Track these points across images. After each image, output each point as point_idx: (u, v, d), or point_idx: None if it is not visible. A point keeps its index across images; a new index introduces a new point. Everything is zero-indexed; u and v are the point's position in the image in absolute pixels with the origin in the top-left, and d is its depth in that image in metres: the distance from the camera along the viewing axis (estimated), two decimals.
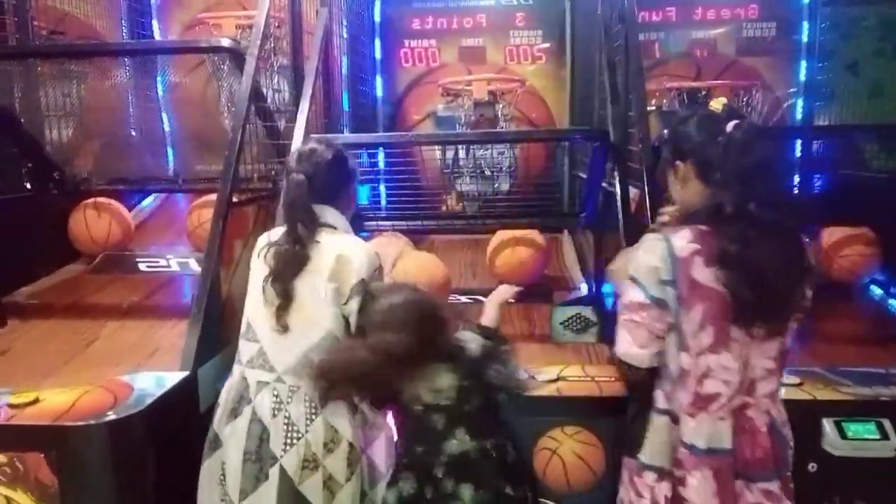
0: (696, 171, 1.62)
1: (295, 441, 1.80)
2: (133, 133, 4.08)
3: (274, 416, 1.81)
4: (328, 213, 1.96)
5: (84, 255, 3.55)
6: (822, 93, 3.94)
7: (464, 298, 3.14)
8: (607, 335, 2.30)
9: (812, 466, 2.11)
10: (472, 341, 1.85)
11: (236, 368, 1.94)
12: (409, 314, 1.74)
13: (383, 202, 3.74)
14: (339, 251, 1.88)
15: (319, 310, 1.85)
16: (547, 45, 4.30)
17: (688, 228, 1.58)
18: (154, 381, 2.11)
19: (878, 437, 2.07)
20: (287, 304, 1.85)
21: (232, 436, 1.86)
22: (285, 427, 1.81)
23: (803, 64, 4.06)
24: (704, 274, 1.52)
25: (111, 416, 1.88)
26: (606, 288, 2.83)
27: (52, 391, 2.02)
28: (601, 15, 3.52)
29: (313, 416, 1.81)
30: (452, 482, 1.73)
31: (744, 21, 4.11)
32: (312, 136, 2.18)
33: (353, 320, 1.82)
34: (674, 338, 1.60)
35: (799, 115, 4.08)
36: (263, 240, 1.99)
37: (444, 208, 3.98)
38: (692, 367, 1.58)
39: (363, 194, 3.58)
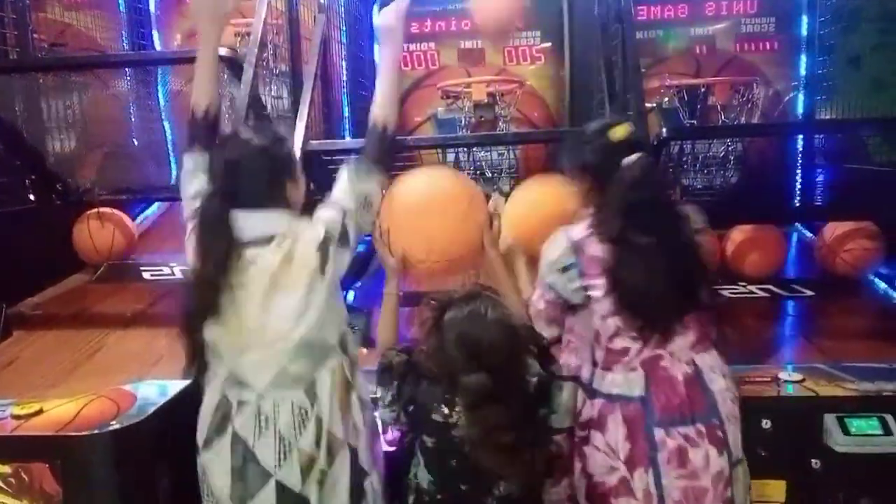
0: (593, 184, 1.82)
1: (288, 454, 1.68)
2: (135, 142, 4.11)
3: (261, 434, 1.68)
4: (261, 223, 1.67)
5: (88, 265, 3.58)
6: (823, 87, 3.92)
7: None
8: None
9: (815, 463, 2.11)
10: (531, 370, 1.72)
11: (214, 386, 1.75)
12: (484, 344, 1.60)
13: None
14: (291, 258, 1.65)
15: (286, 323, 1.66)
16: (545, 45, 4.29)
17: (583, 221, 1.81)
18: (157, 390, 2.12)
19: (881, 432, 2.07)
20: (195, 352, 1.67)
21: (216, 458, 1.73)
22: (276, 442, 1.67)
23: (803, 58, 4.04)
24: (598, 250, 1.74)
25: (115, 426, 1.89)
26: None
27: (56, 401, 2.03)
28: (599, 14, 3.51)
29: (304, 422, 1.68)
30: None
31: (743, 16, 4.09)
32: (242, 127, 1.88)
33: (339, 271, 1.72)
34: (584, 313, 1.81)
35: (800, 110, 4.06)
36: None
37: None
38: (601, 327, 1.77)
39: None
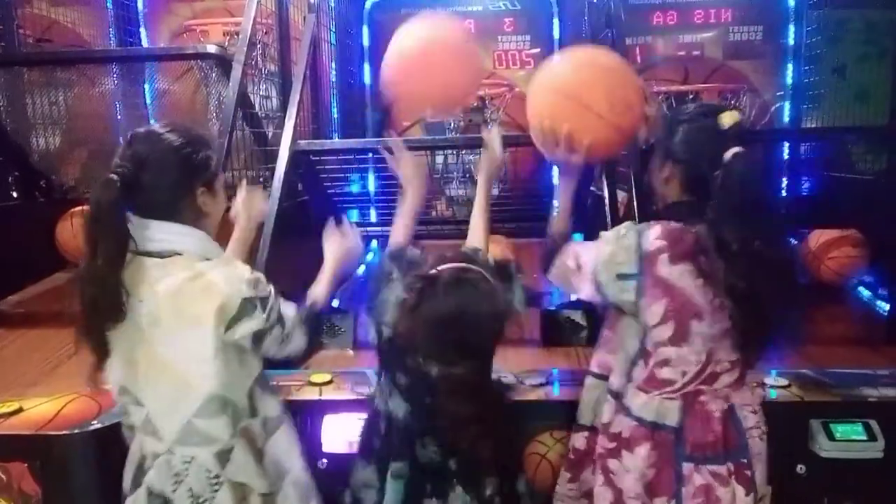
0: (683, 179, 1.61)
1: None
2: (120, 140, 4.07)
3: (175, 490, 1.51)
4: (162, 232, 1.46)
5: (71, 263, 3.53)
6: (809, 96, 3.96)
7: None
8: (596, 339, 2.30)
9: (800, 468, 2.11)
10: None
11: (136, 433, 1.57)
12: (470, 339, 1.47)
13: (372, 209, 3.74)
14: (191, 283, 1.42)
15: (192, 369, 1.46)
16: (535, 50, 4.31)
17: (658, 224, 1.59)
18: None
19: (865, 438, 2.07)
20: (103, 360, 1.47)
21: None
22: (190, 499, 1.50)
23: (790, 67, 4.08)
24: (668, 271, 1.54)
25: (96, 425, 1.86)
26: None
27: (36, 400, 2.00)
28: (588, 20, 3.53)
29: (216, 485, 1.51)
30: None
31: (730, 25, 4.13)
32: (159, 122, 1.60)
33: (248, 342, 1.49)
34: (633, 321, 1.63)
35: (786, 118, 4.10)
36: None
37: (433, 213, 3.97)
38: (653, 352, 1.61)
39: (352, 201, 3.58)
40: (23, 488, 1.81)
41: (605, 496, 1.72)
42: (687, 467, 1.61)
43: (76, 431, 1.84)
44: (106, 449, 1.84)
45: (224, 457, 1.52)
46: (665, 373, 1.61)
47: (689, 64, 4.15)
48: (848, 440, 2.06)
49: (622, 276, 1.58)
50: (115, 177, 1.39)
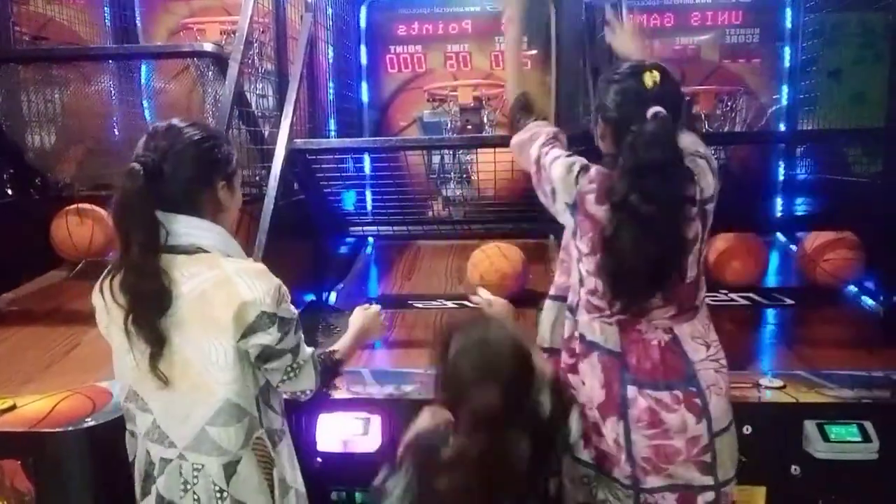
0: (612, 135, 1.74)
1: None
2: (116, 139, 4.06)
3: (182, 497, 1.51)
4: (186, 226, 1.44)
5: (66, 261, 3.53)
6: (805, 98, 3.96)
7: (450, 304, 3.14)
8: None
9: (795, 469, 2.12)
10: (543, 395, 1.56)
11: (140, 441, 1.58)
12: (494, 361, 1.44)
13: (369, 208, 3.73)
14: (217, 289, 1.42)
15: (211, 374, 1.45)
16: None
17: (594, 168, 1.75)
18: None
19: (860, 439, 2.08)
20: (160, 351, 1.43)
21: None
22: None
23: (787, 70, 4.09)
24: (595, 209, 1.69)
25: (90, 422, 1.86)
26: None
27: (30, 397, 2.00)
28: (585, 21, 3.53)
29: (221, 500, 1.49)
30: None
31: (727, 27, 4.13)
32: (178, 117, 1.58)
33: (253, 353, 1.47)
34: (574, 249, 1.79)
35: (783, 121, 4.10)
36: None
37: (430, 214, 3.97)
38: (586, 278, 1.74)
39: (348, 199, 3.57)
40: (16, 486, 1.81)
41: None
42: (631, 390, 1.70)
43: (70, 429, 1.83)
44: (100, 446, 1.84)
45: (231, 469, 1.50)
46: (595, 300, 1.73)
47: (686, 66, 4.15)
48: (843, 441, 2.08)
49: (567, 205, 1.75)
50: (138, 166, 1.38)
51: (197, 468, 1.49)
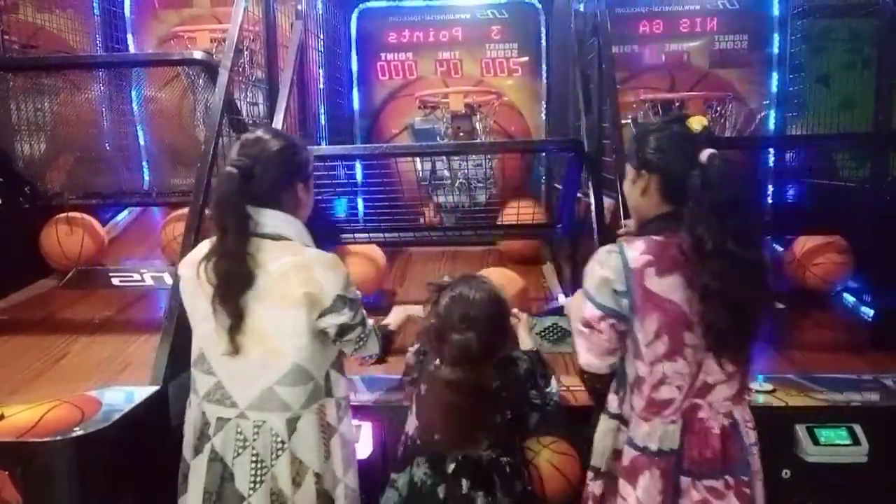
0: (661, 187, 1.61)
1: (263, 478, 1.64)
2: (107, 147, 4.04)
3: (238, 454, 1.64)
4: (272, 218, 1.66)
5: (56, 270, 3.51)
6: (794, 104, 3.99)
7: None
8: None
9: (785, 473, 2.12)
10: (522, 358, 1.96)
11: (193, 400, 1.73)
12: (480, 310, 1.76)
13: (361, 215, 3.73)
14: (297, 271, 1.63)
15: (284, 341, 1.64)
16: (523, 58, 4.33)
17: (641, 240, 1.59)
18: (123, 396, 2.08)
19: (850, 442, 2.09)
20: (238, 325, 1.61)
21: (193, 474, 1.69)
22: (252, 465, 1.64)
23: (775, 76, 4.12)
24: (657, 284, 1.53)
25: (78, 432, 1.84)
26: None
27: (18, 407, 1.98)
28: (575, 28, 3.55)
29: (280, 451, 1.64)
30: (467, 485, 1.78)
31: (716, 33, 4.16)
32: (262, 127, 1.88)
33: (332, 331, 1.68)
34: (629, 345, 1.62)
35: (772, 126, 4.13)
36: (196, 253, 1.71)
37: (422, 220, 3.97)
38: (647, 374, 1.59)
39: (340, 207, 3.57)
40: (4, 496, 1.79)
41: None
42: (685, 481, 1.59)
43: (58, 439, 1.81)
44: (89, 456, 1.83)
45: (292, 425, 1.66)
46: (664, 392, 1.58)
47: (675, 72, 4.18)
48: (832, 445, 2.09)
49: (616, 294, 1.57)
50: (234, 170, 1.61)
51: (258, 425, 1.64)
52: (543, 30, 4.31)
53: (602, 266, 1.59)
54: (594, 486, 1.73)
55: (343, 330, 1.70)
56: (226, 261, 1.59)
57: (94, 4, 4.19)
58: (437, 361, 1.81)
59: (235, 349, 1.62)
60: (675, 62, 4.20)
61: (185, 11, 4.25)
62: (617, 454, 1.68)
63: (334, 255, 1.73)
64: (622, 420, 1.67)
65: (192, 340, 1.74)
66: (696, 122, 1.58)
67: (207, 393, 1.68)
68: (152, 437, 2.04)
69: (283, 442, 1.64)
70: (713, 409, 1.59)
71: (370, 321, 1.82)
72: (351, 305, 1.69)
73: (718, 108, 3.99)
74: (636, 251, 1.56)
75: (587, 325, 1.62)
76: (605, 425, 1.71)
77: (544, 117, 4.33)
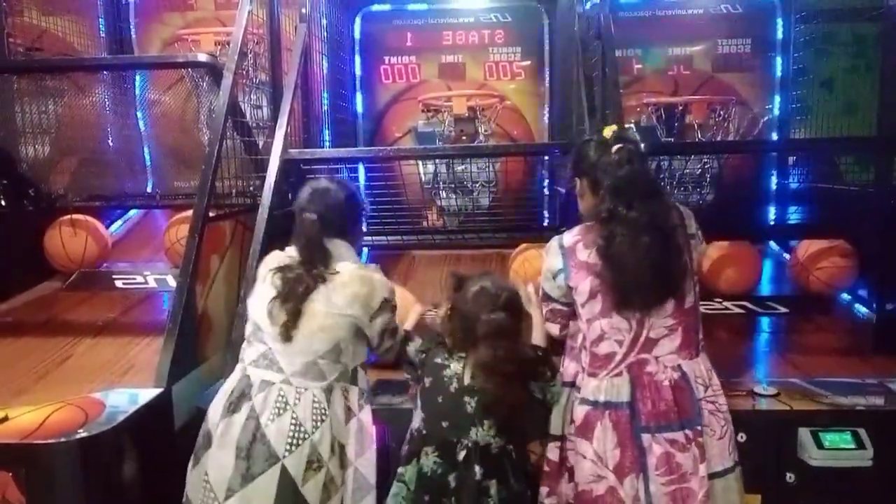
0: (590, 187, 1.94)
1: (301, 441, 1.79)
2: (111, 149, 4.06)
3: (278, 415, 1.81)
4: (340, 248, 2.00)
5: (60, 272, 3.52)
6: (797, 108, 3.99)
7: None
8: None
9: (790, 477, 2.12)
10: (529, 348, 2.04)
11: (238, 367, 1.94)
12: (506, 297, 1.91)
13: (364, 218, 3.74)
14: (358, 276, 1.95)
15: (334, 320, 1.89)
16: (526, 62, 4.33)
17: (576, 227, 1.95)
18: (127, 398, 2.09)
19: (854, 446, 2.09)
20: (295, 322, 1.87)
21: (226, 432, 1.82)
22: (292, 428, 1.80)
23: (778, 80, 4.12)
24: (585, 255, 1.87)
25: (81, 434, 1.85)
26: None
27: (22, 409, 1.99)
28: (578, 31, 3.55)
29: (322, 418, 1.83)
30: (481, 473, 1.83)
31: (720, 38, 4.16)
32: (324, 177, 2.21)
33: (377, 334, 1.97)
34: (576, 312, 1.92)
35: (775, 130, 4.13)
36: (275, 259, 2.01)
37: (425, 223, 3.98)
38: (587, 330, 1.87)
39: None
40: (7, 498, 1.80)
41: (569, 490, 1.90)
42: (646, 438, 1.77)
43: (62, 440, 1.82)
44: (92, 457, 1.83)
45: (328, 394, 1.86)
46: (604, 347, 1.84)
47: (679, 76, 4.18)
48: (837, 449, 2.08)
49: (555, 275, 1.93)
50: (315, 217, 1.96)
51: (300, 391, 1.84)
52: (547, 33, 4.31)
53: (547, 253, 1.99)
54: (552, 453, 1.97)
55: (384, 333, 1.98)
56: (301, 276, 1.91)
57: (99, 7, 4.20)
58: (445, 355, 1.96)
59: (289, 338, 1.85)
60: (678, 66, 4.20)
61: (188, 14, 4.25)
62: (572, 420, 1.89)
63: (374, 265, 2.08)
64: (574, 387, 1.92)
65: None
66: (608, 131, 1.94)
67: (255, 360, 1.90)
68: (156, 439, 2.05)
69: (324, 410, 1.84)
70: (660, 363, 1.80)
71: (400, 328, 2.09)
72: (392, 310, 2.00)
73: (721, 112, 4.00)
74: (570, 235, 1.93)
75: (542, 300, 2.04)
76: (563, 394, 1.97)
77: (547, 121, 4.32)
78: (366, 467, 1.88)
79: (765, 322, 3.14)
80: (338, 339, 1.89)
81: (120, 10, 4.24)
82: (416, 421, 1.97)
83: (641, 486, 1.75)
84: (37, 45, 3.93)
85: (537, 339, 2.08)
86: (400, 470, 1.93)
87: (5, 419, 1.92)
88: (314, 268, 1.93)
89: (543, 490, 1.98)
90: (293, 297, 1.88)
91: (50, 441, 1.82)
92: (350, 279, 1.94)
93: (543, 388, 1.97)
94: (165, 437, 2.07)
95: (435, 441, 1.88)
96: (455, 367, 1.92)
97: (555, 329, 2.05)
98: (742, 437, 2.07)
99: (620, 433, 1.78)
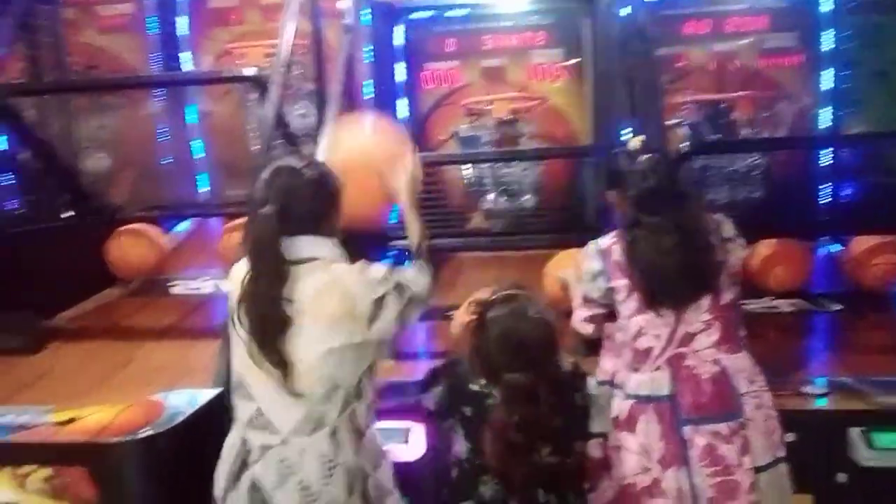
0: (620, 196, 2.06)
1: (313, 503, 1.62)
2: (166, 161, 4.21)
3: (283, 482, 1.62)
4: (307, 245, 1.66)
5: (121, 279, 3.66)
6: (848, 101, 3.90)
7: None
8: None
9: (841, 477, 2.09)
10: (564, 361, 1.88)
11: (235, 429, 1.72)
12: (530, 343, 1.72)
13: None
14: (329, 290, 1.62)
15: (322, 358, 1.61)
16: (568, 62, 4.33)
17: (612, 232, 2.02)
18: (186, 399, 2.16)
19: None
20: (286, 370, 1.60)
21: None
22: (300, 492, 1.61)
23: (827, 73, 4.03)
24: (621, 256, 1.94)
25: (146, 433, 1.94)
26: None
27: (91, 409, 2.09)
28: (620, 31, 3.55)
29: (331, 472, 1.63)
30: (541, 493, 1.77)
31: (765, 32, 4.09)
32: (286, 155, 1.87)
33: (395, 328, 1.70)
34: (617, 310, 1.98)
35: (825, 124, 4.04)
36: (237, 279, 1.66)
37: (470, 226, 4.02)
38: (627, 327, 1.93)
39: (393, 214, 3.64)
40: (81, 492, 1.90)
41: (613, 486, 1.92)
42: (687, 430, 1.81)
43: (128, 439, 1.92)
44: (155, 455, 1.93)
45: (334, 439, 1.64)
46: (643, 342, 1.89)
47: (724, 72, 4.13)
48: (889, 449, 2.05)
49: (595, 276, 1.99)
50: (271, 210, 1.61)
51: (303, 449, 1.62)
52: (589, 34, 4.30)
53: (585, 257, 2.04)
54: (594, 451, 1.98)
55: (404, 314, 1.70)
56: (259, 306, 1.59)
57: (151, 24, 4.36)
58: (482, 382, 1.77)
59: (291, 389, 1.61)
60: (723, 62, 4.14)
61: (236, 28, 4.38)
62: (614, 416, 1.93)
63: (360, 262, 1.71)
64: (612, 385, 1.98)
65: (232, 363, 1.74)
66: (635, 142, 2.17)
67: (250, 420, 1.66)
68: (213, 438, 2.12)
69: (331, 460, 1.63)
70: (699, 356, 1.85)
71: (407, 274, 1.75)
72: (396, 292, 1.68)
73: (770, 107, 3.94)
74: (607, 239, 2.01)
75: (581, 303, 2.08)
76: (598, 390, 1.95)
77: (591, 122, 4.32)
78: (382, 475, 1.76)
79: (816, 320, 3.09)
80: (334, 376, 1.63)
81: (171, 26, 4.39)
82: (462, 450, 1.82)
83: (685, 479, 1.79)
84: (94, 62, 4.12)
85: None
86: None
87: (77, 419, 2.03)
88: (268, 295, 1.58)
89: (585, 486, 1.98)
90: (268, 342, 1.59)
91: (118, 440, 1.92)
92: (317, 294, 1.60)
93: (584, 396, 1.90)
94: (221, 437, 2.15)
95: (491, 469, 1.77)
96: (497, 394, 1.75)
97: (589, 329, 2.10)
98: (792, 437, 2.05)
99: (664, 425, 1.83)
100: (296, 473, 1.62)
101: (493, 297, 1.82)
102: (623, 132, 3.15)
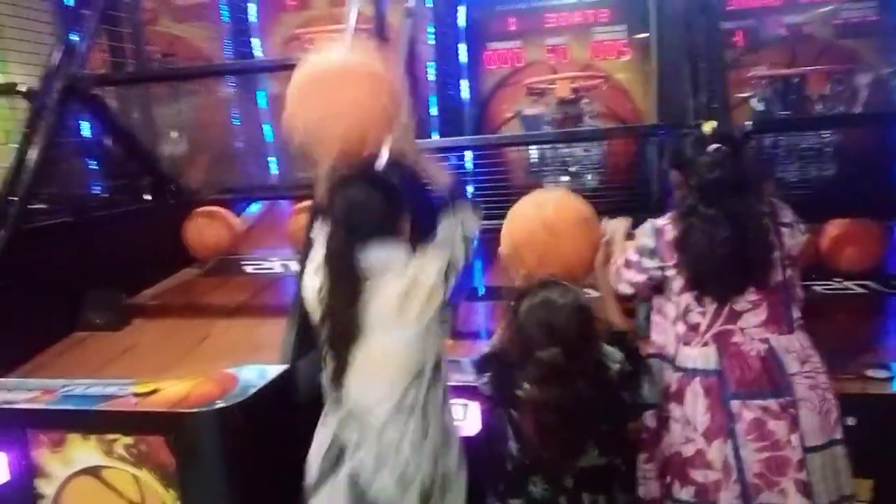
0: (681, 178, 2.04)
1: (409, 486, 1.72)
2: (239, 145, 4.37)
3: (380, 469, 1.72)
4: (381, 255, 1.74)
5: (198, 259, 3.85)
6: None
7: None
8: None
9: None
10: (613, 358, 1.82)
11: (328, 427, 1.82)
12: (564, 321, 1.70)
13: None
14: (415, 293, 1.71)
15: (405, 348, 1.73)
16: (632, 39, 4.26)
17: (669, 213, 2.04)
18: (257, 374, 2.30)
19: None
20: (341, 376, 1.74)
21: (333, 497, 1.76)
22: (397, 476, 1.72)
23: None
24: (674, 235, 1.96)
25: (220, 404, 2.08)
26: None
27: (170, 382, 2.25)
28: (685, 6, 3.47)
29: (422, 450, 1.73)
30: (588, 495, 1.77)
31: (841, 2, 3.92)
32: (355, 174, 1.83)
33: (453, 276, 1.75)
34: (669, 297, 2.01)
35: None
36: (313, 262, 1.84)
37: None
38: (677, 303, 1.97)
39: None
40: (160, 459, 2.06)
41: (662, 454, 1.96)
42: (735, 405, 1.84)
43: (204, 409, 2.06)
44: (228, 425, 2.07)
45: (426, 420, 1.74)
46: (692, 318, 1.93)
47: (796, 45, 3.98)
48: None
49: (650, 253, 2.00)
50: (340, 226, 1.76)
51: (403, 433, 1.72)
52: (653, 10, 4.21)
53: (641, 233, 2.05)
54: (649, 421, 2.02)
55: (467, 258, 1.81)
56: (335, 319, 1.74)
57: (223, 12, 4.51)
58: (526, 386, 1.73)
59: (340, 389, 1.75)
60: (795, 35, 3.99)
61: (304, 13, 4.49)
62: (665, 387, 1.97)
63: (424, 249, 1.77)
64: (662, 357, 2.01)
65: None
66: (707, 126, 2.04)
67: (342, 418, 1.77)
68: (282, 410, 2.26)
69: (422, 441, 1.73)
70: (746, 334, 1.88)
71: (450, 229, 1.80)
72: (452, 265, 1.75)
73: (844, 81, 3.78)
74: (662, 220, 2.03)
75: (627, 266, 2.06)
76: (654, 368, 2.00)
77: (655, 99, 4.24)
78: (455, 452, 1.84)
79: (889, 302, 2.99)
80: (414, 373, 1.73)
81: (242, 13, 4.54)
82: (513, 448, 1.83)
83: (731, 451, 1.81)
84: (170, 51, 4.30)
85: (614, 319, 2.10)
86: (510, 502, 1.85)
87: (157, 391, 2.19)
88: (345, 300, 1.71)
89: (643, 456, 2.04)
90: (338, 348, 1.74)
91: (194, 410, 2.06)
92: (401, 302, 1.70)
93: (635, 397, 1.88)
94: (289, 409, 2.27)
95: (540, 470, 1.79)
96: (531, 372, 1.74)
97: (629, 290, 2.09)
98: (852, 421, 2.02)
99: (710, 398, 1.86)
100: (393, 458, 1.72)
101: (529, 286, 1.84)
102: (692, 113, 3.10)
